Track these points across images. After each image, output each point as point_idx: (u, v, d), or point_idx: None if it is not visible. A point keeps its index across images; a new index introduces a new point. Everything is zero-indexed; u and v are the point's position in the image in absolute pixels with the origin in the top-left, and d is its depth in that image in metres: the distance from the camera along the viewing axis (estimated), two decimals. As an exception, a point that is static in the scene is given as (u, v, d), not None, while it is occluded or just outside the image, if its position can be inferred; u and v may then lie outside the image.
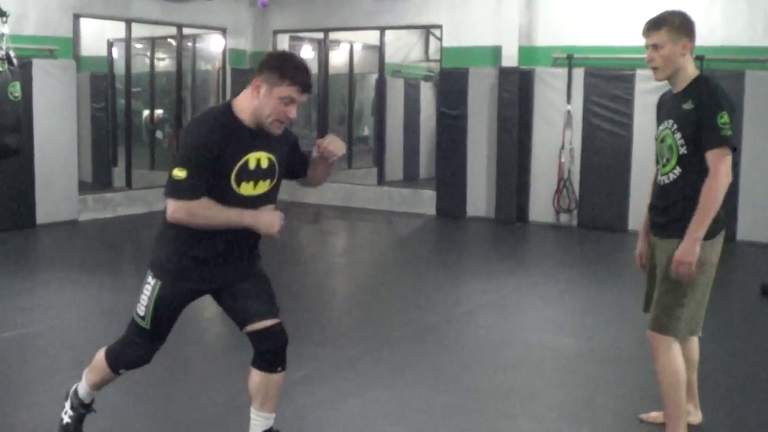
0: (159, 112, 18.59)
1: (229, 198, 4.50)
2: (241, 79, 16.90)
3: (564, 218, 14.36)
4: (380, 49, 17.47)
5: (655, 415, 5.62)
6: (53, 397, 6.02)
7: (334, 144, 4.75)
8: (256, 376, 4.79)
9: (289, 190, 17.16)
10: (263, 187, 4.65)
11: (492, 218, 14.70)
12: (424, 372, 6.89)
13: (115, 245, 12.68)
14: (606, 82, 13.90)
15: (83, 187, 14.63)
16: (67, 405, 5.23)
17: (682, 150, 4.92)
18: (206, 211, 4.43)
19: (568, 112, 14.12)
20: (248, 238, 4.67)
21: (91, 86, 17.46)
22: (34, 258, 11.87)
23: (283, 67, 4.46)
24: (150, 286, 4.68)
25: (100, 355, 4.98)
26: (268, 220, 4.52)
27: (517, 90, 14.35)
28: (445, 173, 15.47)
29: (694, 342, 5.41)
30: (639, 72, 13.45)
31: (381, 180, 17.74)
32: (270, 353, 4.75)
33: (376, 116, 19.65)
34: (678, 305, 4.97)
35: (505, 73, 14.46)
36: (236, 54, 17.17)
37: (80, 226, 13.67)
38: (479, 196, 14.98)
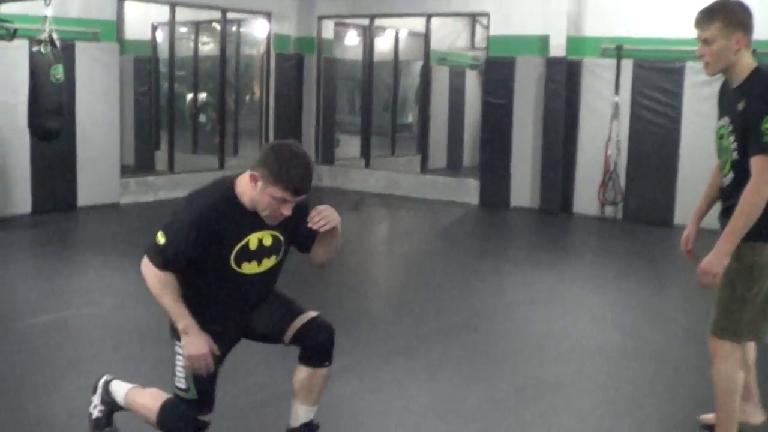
0: (202, 96, 18.56)
1: (231, 277, 4.45)
2: (286, 65, 16.87)
3: (609, 211, 14.18)
4: (426, 36, 17.33)
5: (712, 417, 5.43)
6: (90, 383, 5.94)
7: (323, 213, 4.47)
8: (302, 372, 4.70)
9: (331, 175, 17.21)
10: (269, 263, 4.57)
11: (536, 209, 14.55)
12: (467, 365, 6.78)
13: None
14: (655, 75, 13.69)
15: (126, 171, 14.62)
16: (96, 399, 5.10)
17: (734, 155, 4.69)
18: (164, 288, 4.37)
19: (616, 103, 13.93)
20: (262, 296, 4.64)
21: (134, 70, 17.44)
22: (75, 241, 11.86)
23: (280, 168, 4.24)
24: (181, 354, 4.55)
25: (155, 403, 4.78)
26: (194, 343, 4.37)
27: (564, 80, 14.18)
28: (489, 163, 15.30)
29: (751, 344, 5.20)
30: (689, 65, 13.23)
31: (424, 168, 17.65)
32: (318, 346, 4.66)
33: (420, 104, 19.53)
34: (738, 309, 4.75)
35: (552, 63, 14.30)
36: (280, 39, 17.09)
37: (121, 209, 13.66)
38: (523, 187, 14.83)
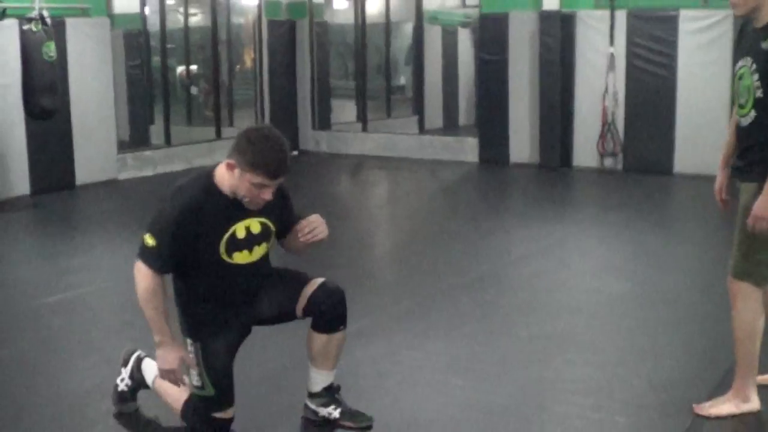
0: (193, 67, 18.45)
1: (225, 269, 4.46)
2: (278, 31, 16.77)
3: (609, 162, 14.15)
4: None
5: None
6: (104, 359, 5.96)
7: (312, 225, 4.60)
8: (317, 339, 4.71)
9: (328, 141, 17.17)
10: (260, 251, 4.57)
11: (536, 164, 14.51)
12: (480, 321, 6.78)
13: (157, 203, 12.53)
14: (649, 24, 13.61)
15: (121, 146, 14.49)
16: (125, 372, 5.09)
17: (758, 93, 4.61)
18: (148, 298, 4.38)
19: (611, 55, 13.86)
20: (259, 281, 4.63)
21: (124, 44, 17.32)
22: (77, 220, 11.81)
23: (254, 154, 4.27)
24: (192, 352, 4.57)
25: (182, 395, 4.76)
26: (165, 359, 4.43)
27: (558, 34, 14.09)
28: (487, 120, 15.26)
29: None
30: (683, 12, 13.25)
31: (422, 129, 17.62)
32: (330, 312, 4.66)
33: (414, 64, 19.47)
34: (758, 250, 4.69)
35: (546, 17, 14.19)
36: (271, 5, 16.95)
37: (120, 185, 13.58)
38: (522, 143, 14.78)
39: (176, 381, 4.46)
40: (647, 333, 6.44)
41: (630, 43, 13.78)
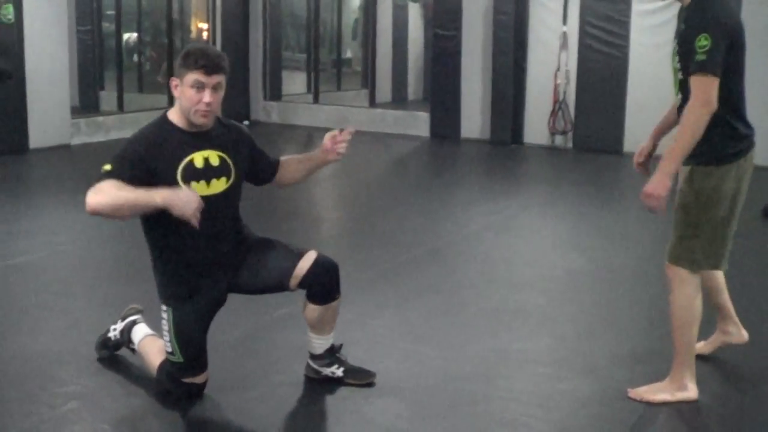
0: (134, 36, 18.28)
1: None
2: (232, 1, 16.70)
3: (559, 140, 14.33)
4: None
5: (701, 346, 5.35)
6: (72, 323, 6.00)
7: (343, 145, 4.89)
8: (314, 311, 4.82)
9: (279, 111, 17.18)
10: (218, 186, 4.62)
11: (487, 140, 14.67)
12: (439, 293, 6.88)
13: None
14: (602, 4, 13.83)
15: (72, 111, 14.40)
16: (119, 326, 5.24)
17: (680, 75, 4.66)
18: (113, 189, 4.26)
19: (564, 33, 14.04)
20: (226, 230, 4.68)
21: (76, 9, 17.18)
22: (30, 183, 11.74)
23: (185, 56, 4.50)
24: (165, 318, 4.66)
25: (157, 359, 4.87)
26: (183, 198, 4.23)
27: (512, 11, 14.23)
28: (439, 95, 15.38)
29: (718, 272, 5.17)
30: (635, -7, 13.40)
31: (372, 102, 17.67)
32: (326, 285, 4.77)
33: (365, 38, 19.50)
34: (690, 236, 4.71)
35: (500, -6, 14.31)
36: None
37: (73, 150, 13.55)
38: (474, 118, 14.93)
39: (197, 210, 4.26)
40: (605, 307, 6.59)
41: (583, 22, 13.97)
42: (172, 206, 4.20)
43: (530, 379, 5.20)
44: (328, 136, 4.94)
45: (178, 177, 4.48)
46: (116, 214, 4.37)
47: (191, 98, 4.45)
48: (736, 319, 5.42)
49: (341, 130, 4.95)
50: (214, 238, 4.62)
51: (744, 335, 5.44)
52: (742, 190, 4.72)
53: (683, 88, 4.64)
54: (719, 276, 5.23)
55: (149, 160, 4.43)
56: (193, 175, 4.52)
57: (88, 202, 4.28)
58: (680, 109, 4.70)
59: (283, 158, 5.09)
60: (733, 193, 4.67)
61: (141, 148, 4.44)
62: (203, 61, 4.44)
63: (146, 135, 4.53)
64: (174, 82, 4.52)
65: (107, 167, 4.38)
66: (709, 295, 5.20)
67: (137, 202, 4.28)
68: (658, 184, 4.53)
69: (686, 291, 4.77)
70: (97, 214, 4.29)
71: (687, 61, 4.53)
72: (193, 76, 4.43)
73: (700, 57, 4.41)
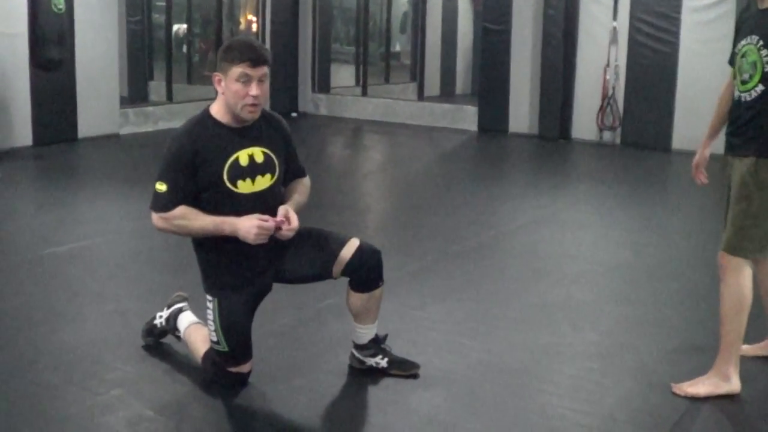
0: (183, 27, 18.39)
1: (230, 199, 4.51)
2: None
3: (607, 136, 14.26)
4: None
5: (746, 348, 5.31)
6: (119, 310, 6.04)
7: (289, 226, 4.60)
8: (357, 298, 4.82)
9: (327, 104, 17.22)
10: (263, 182, 4.62)
11: (535, 135, 14.63)
12: (487, 286, 6.87)
13: (159, 159, 12.53)
14: (653, -1, 13.71)
15: (121, 101, 14.51)
16: (165, 314, 5.27)
17: (767, 68, 4.67)
18: (182, 221, 4.46)
19: (614, 28, 13.96)
20: (265, 211, 4.61)
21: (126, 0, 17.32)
22: (80, 172, 11.85)
23: (228, 50, 4.48)
24: (210, 308, 4.68)
25: (203, 347, 4.91)
26: (246, 227, 4.39)
27: (562, 6, 14.18)
28: (487, 89, 15.35)
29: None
30: (687, -11, 13.31)
31: (421, 95, 17.68)
32: (369, 272, 4.77)
33: (415, 31, 19.51)
34: (752, 226, 4.73)
35: (550, -12, 14.26)
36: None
37: (122, 140, 13.65)
38: (522, 113, 14.89)
39: (270, 228, 4.43)
40: (651, 302, 6.54)
41: (633, 17, 13.86)
42: (238, 236, 4.42)
43: (575, 374, 5.17)
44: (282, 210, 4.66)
45: (225, 177, 4.50)
46: (181, 234, 4.62)
47: (238, 92, 4.44)
48: None
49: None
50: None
51: None
52: None
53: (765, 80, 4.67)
54: None
55: (196, 163, 4.45)
56: (239, 173, 4.53)
57: (154, 224, 4.57)
58: (755, 102, 4.72)
59: (302, 179, 4.99)
60: None
61: (186, 153, 4.44)
62: (249, 53, 4.43)
63: (186, 136, 4.50)
64: (217, 77, 4.51)
65: (162, 188, 4.44)
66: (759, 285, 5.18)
67: (204, 231, 4.51)
68: None
69: (739, 279, 4.79)
70: (163, 232, 4.65)
71: None
72: (238, 70, 4.41)
73: None
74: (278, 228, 4.49)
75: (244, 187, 4.52)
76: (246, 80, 4.42)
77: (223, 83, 4.48)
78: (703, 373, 4.94)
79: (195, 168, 4.44)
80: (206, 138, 4.49)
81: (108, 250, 7.75)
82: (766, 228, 4.74)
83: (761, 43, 4.68)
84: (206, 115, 4.59)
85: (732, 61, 4.95)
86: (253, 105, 4.48)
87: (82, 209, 9.21)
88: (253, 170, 4.57)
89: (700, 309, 6.26)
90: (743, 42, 4.82)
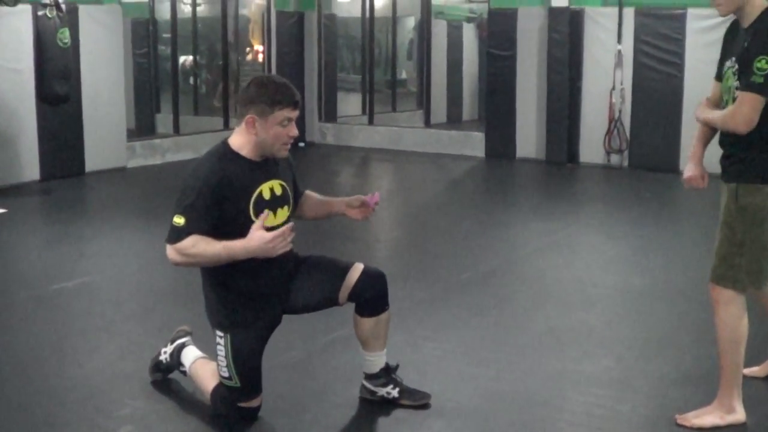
0: (189, 58, 18.42)
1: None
2: (287, 22, 16.77)
3: (615, 159, 14.21)
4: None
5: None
6: (129, 344, 6.03)
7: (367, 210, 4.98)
8: (365, 324, 4.80)
9: (334, 133, 17.21)
10: (283, 214, 4.64)
11: (542, 159, 14.57)
12: (497, 313, 6.85)
13: (167, 191, 12.57)
14: (657, 22, 13.69)
15: (128, 134, 14.47)
16: (169, 349, 5.23)
17: (736, 94, 4.57)
18: (195, 249, 4.37)
19: (619, 52, 13.93)
20: (286, 255, 4.58)
21: (132, 32, 17.34)
22: (88, 206, 11.87)
23: (269, 95, 4.44)
24: (221, 344, 4.63)
25: (211, 382, 4.85)
26: (262, 247, 4.33)
27: (567, 30, 14.15)
28: (494, 115, 15.31)
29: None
30: (690, 11, 13.31)
31: (428, 122, 17.69)
32: (375, 296, 4.75)
33: (420, 58, 19.54)
34: (735, 254, 4.63)
35: (554, 13, 14.26)
36: (280, -4, 17.01)
37: (129, 173, 13.62)
38: (529, 138, 14.84)
39: (280, 237, 4.37)
40: (662, 327, 6.51)
41: (638, 40, 13.84)
42: (257, 256, 4.38)
43: (587, 401, 5.13)
44: (358, 198, 4.98)
45: (251, 212, 4.48)
46: (195, 264, 4.55)
47: (279, 135, 4.45)
48: None
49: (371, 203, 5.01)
50: (276, 265, 4.59)
51: None
52: None
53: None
54: None
55: (221, 199, 4.42)
56: (262, 206, 4.51)
57: (169, 258, 4.47)
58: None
59: (307, 192, 5.08)
60: None
61: (212, 189, 4.39)
62: (292, 97, 4.45)
63: (211, 172, 4.44)
64: (251, 119, 4.44)
65: (180, 221, 4.38)
66: (765, 313, 5.15)
67: (219, 260, 4.44)
68: None
69: (731, 311, 4.72)
70: (179, 266, 4.56)
71: (741, 79, 4.51)
72: (283, 114, 4.42)
73: (757, 79, 4.40)
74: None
75: (267, 220, 4.50)
76: (288, 123, 4.45)
77: (257, 126, 4.45)
78: (715, 397, 4.88)
79: (220, 202, 4.41)
80: (232, 172, 4.46)
81: (116, 284, 7.74)
82: (752, 256, 4.63)
83: (736, 67, 4.61)
84: (227, 149, 4.55)
85: (719, 77, 4.85)
86: (288, 144, 4.53)
87: (90, 244, 9.19)
88: (274, 203, 4.58)
89: (711, 332, 6.14)
90: (726, 65, 4.73)
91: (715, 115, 4.66)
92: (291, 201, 4.69)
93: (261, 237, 4.32)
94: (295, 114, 4.46)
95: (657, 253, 8.78)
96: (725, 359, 4.78)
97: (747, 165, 4.56)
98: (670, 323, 6.59)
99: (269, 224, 4.50)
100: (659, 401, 5.12)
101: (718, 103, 4.84)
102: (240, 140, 4.54)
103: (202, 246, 4.37)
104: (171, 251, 4.43)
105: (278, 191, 4.60)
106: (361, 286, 4.71)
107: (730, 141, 4.67)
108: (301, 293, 4.75)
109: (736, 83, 4.57)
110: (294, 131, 4.48)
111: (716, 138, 4.83)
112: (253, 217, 4.46)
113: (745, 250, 4.62)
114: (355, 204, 4.98)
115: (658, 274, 7.99)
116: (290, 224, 4.46)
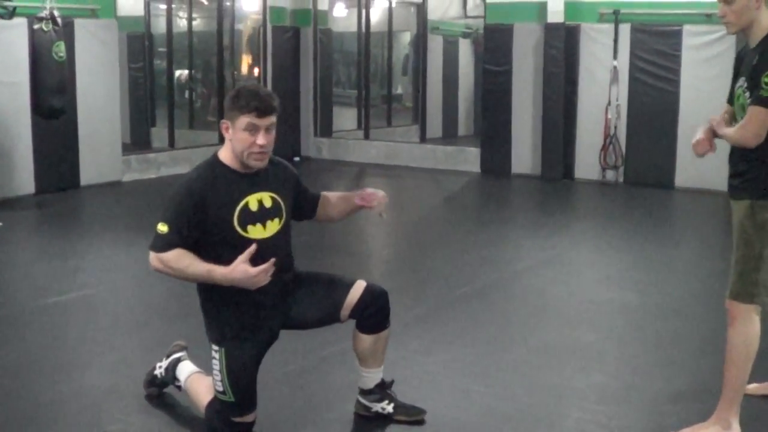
0: (185, 72, 18.45)
1: (240, 243, 4.44)
2: (282, 37, 16.79)
3: (610, 175, 14.23)
4: (422, 5, 17.33)
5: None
6: (122, 359, 6.01)
7: (377, 198, 5.04)
8: (365, 340, 4.79)
9: (330, 147, 17.22)
10: (273, 227, 4.60)
11: (537, 175, 14.58)
12: (493, 329, 6.83)
13: (162, 205, 12.54)
14: (653, 38, 13.72)
15: (124, 148, 14.45)
16: (165, 364, 5.22)
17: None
18: (177, 264, 4.39)
19: (615, 68, 13.95)
20: (281, 269, 4.58)
21: (128, 46, 17.35)
22: (83, 220, 11.84)
23: (236, 98, 4.45)
24: (216, 358, 4.60)
25: (205, 397, 4.82)
26: (244, 280, 4.34)
27: (562, 46, 14.18)
28: (489, 130, 15.33)
29: None
30: (686, 27, 13.40)
31: (423, 138, 17.68)
32: (377, 314, 4.75)
33: (416, 74, 19.54)
34: (753, 269, 4.65)
35: (550, 29, 14.29)
36: (277, 11, 16.97)
37: (125, 187, 13.61)
38: (524, 154, 14.85)
39: (265, 272, 4.36)
40: (660, 342, 6.51)
41: (633, 56, 13.87)
42: (236, 285, 4.37)
43: (582, 417, 5.12)
44: (370, 191, 5.08)
45: (235, 223, 4.48)
46: (176, 276, 4.52)
47: (244, 141, 4.41)
48: None
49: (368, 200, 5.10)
50: (272, 279, 4.54)
51: None
52: None
53: None
54: None
55: (204, 208, 4.42)
56: (248, 219, 4.50)
57: (151, 264, 4.49)
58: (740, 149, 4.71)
59: (324, 193, 5.08)
60: None
61: (194, 197, 4.41)
62: (255, 103, 4.39)
63: (196, 180, 4.47)
64: (225, 124, 4.48)
65: (163, 229, 4.39)
66: None
67: (197, 279, 4.47)
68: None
69: (748, 327, 4.73)
70: (160, 273, 4.52)
71: (751, 94, 4.56)
72: (245, 119, 4.38)
73: (765, 93, 4.46)
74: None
75: (255, 232, 4.50)
76: (253, 130, 4.40)
77: (230, 131, 4.46)
78: (711, 415, 4.87)
79: (203, 212, 4.41)
80: (216, 182, 4.46)
81: (111, 298, 7.73)
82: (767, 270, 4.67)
83: (746, 85, 4.66)
84: (215, 160, 4.57)
85: (731, 100, 4.92)
86: (260, 153, 4.46)
87: (85, 258, 9.18)
88: (263, 215, 4.56)
89: (706, 349, 6.21)
90: (736, 84, 4.81)
91: (729, 131, 4.68)
92: (284, 215, 4.66)
93: (244, 271, 4.32)
94: (261, 122, 4.40)
95: (652, 269, 8.78)
96: (732, 374, 4.78)
97: (761, 181, 4.61)
98: (666, 339, 6.58)
99: (258, 236, 4.49)
100: (654, 417, 5.11)
101: (731, 124, 4.87)
102: (225, 151, 4.56)
103: (186, 262, 4.38)
104: (153, 258, 4.44)
105: (267, 203, 4.58)
106: (363, 304, 4.71)
107: (739, 157, 4.71)
108: (302, 309, 4.74)
109: (748, 100, 4.61)
110: (260, 140, 4.41)
111: (725, 154, 4.85)
112: (237, 228, 4.47)
113: (762, 264, 4.65)
114: (366, 195, 5.07)
115: (653, 290, 7.99)
116: (272, 260, 4.39)
